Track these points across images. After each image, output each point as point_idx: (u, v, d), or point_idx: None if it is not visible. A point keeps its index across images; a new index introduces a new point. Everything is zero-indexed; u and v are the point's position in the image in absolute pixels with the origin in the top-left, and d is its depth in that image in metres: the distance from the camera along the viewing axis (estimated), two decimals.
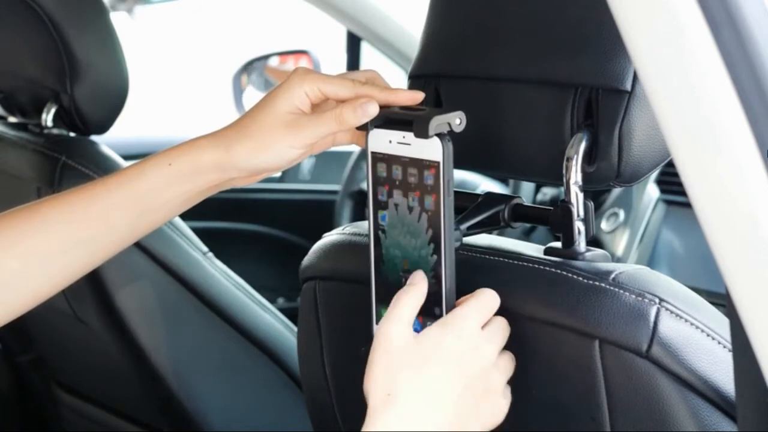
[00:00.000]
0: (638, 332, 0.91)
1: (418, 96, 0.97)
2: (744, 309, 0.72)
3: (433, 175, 0.92)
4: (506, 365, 0.94)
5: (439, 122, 0.92)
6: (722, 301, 0.77)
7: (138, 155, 2.56)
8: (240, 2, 9.08)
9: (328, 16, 2.41)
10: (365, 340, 0.95)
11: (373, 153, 0.96)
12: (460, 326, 0.92)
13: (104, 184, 1.02)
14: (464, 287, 0.95)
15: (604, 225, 2.09)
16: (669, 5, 0.69)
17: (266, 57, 2.67)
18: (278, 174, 1.02)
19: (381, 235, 0.97)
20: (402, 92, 0.97)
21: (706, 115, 0.69)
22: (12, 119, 1.77)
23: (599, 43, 0.95)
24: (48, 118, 1.64)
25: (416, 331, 0.93)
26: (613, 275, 0.94)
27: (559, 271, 0.96)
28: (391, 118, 0.95)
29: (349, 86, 0.97)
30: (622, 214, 2.08)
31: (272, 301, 1.96)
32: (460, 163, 0.95)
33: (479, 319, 0.93)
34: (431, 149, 0.92)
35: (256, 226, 2.68)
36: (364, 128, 0.97)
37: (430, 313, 0.95)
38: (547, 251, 1.00)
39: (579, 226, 0.98)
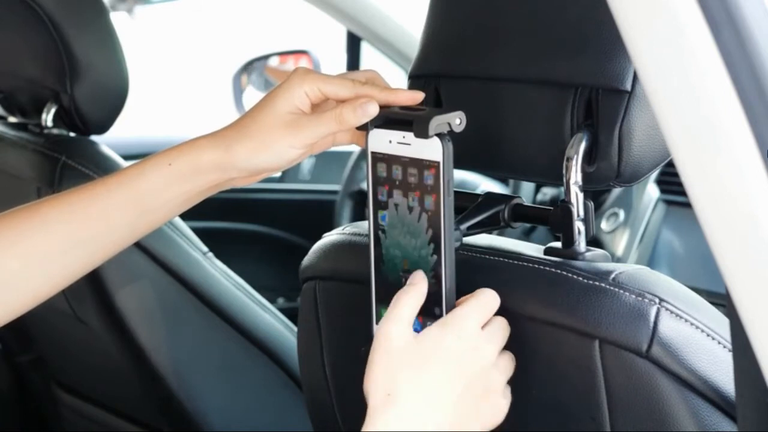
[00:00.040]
0: (638, 332, 0.91)
1: (418, 96, 0.97)
2: (744, 309, 0.72)
3: (433, 175, 0.92)
4: (506, 365, 0.94)
5: (439, 122, 0.92)
6: (722, 301, 0.77)
7: (138, 155, 2.55)
8: (240, 2, 9.08)
9: (328, 16, 2.41)
10: (365, 340, 0.95)
11: (373, 153, 0.96)
12: (460, 326, 0.92)
13: (104, 184, 1.02)
14: (464, 287, 0.95)
15: (604, 225, 2.09)
16: (669, 5, 0.69)
17: (266, 57, 2.67)
18: (278, 174, 1.02)
19: (381, 235, 0.97)
20: (402, 92, 0.97)
21: (706, 115, 0.69)
22: (12, 119, 1.77)
23: (599, 43, 0.95)
24: (48, 118, 1.64)
25: (416, 331, 0.93)
26: (613, 275, 0.94)
27: (559, 271, 0.96)
28: (391, 118, 0.95)
29: (349, 86, 0.97)
30: (622, 214, 2.08)
31: (272, 301, 1.96)
32: (460, 163, 0.95)
33: (479, 319, 0.93)
34: (431, 149, 0.92)
35: (256, 226, 2.68)
36: (364, 128, 0.97)
37: (430, 313, 0.95)
38: (547, 251, 1.00)
39: (579, 226, 0.98)
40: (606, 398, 0.93)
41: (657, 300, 0.91)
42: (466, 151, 1.01)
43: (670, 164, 0.91)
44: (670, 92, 0.71)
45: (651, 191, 2.06)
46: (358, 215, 2.40)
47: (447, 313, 0.94)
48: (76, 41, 1.57)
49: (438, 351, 0.91)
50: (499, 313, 0.95)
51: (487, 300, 0.94)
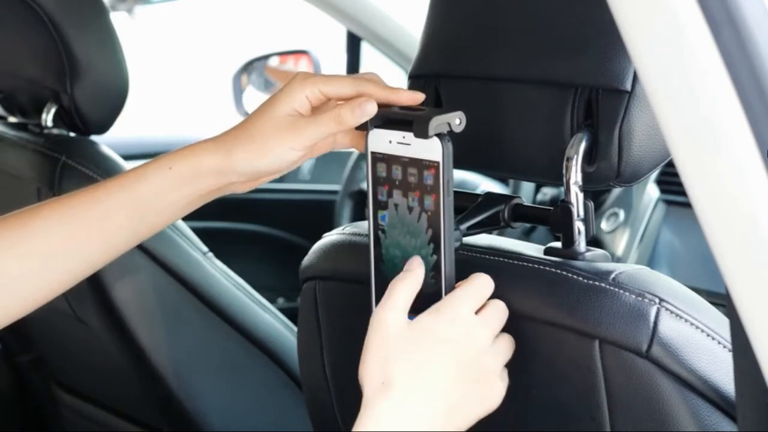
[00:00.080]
0: (638, 332, 0.91)
1: (419, 96, 0.97)
2: (744, 309, 0.72)
3: (433, 175, 0.92)
4: (503, 348, 0.94)
5: (438, 122, 0.92)
6: (722, 301, 0.77)
7: (138, 155, 2.55)
8: (240, 2, 9.08)
9: (328, 16, 2.41)
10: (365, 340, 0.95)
11: (372, 153, 0.96)
12: (453, 312, 0.92)
13: (105, 187, 1.03)
14: None
15: (604, 225, 2.09)
16: (669, 5, 0.69)
17: (266, 57, 2.67)
18: (277, 176, 1.02)
19: (381, 235, 0.97)
20: (403, 92, 0.97)
21: (706, 115, 0.69)
22: (12, 119, 1.77)
23: (599, 43, 0.95)
24: (48, 118, 1.64)
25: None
26: (613, 275, 0.94)
27: (559, 271, 0.96)
28: (391, 118, 0.95)
29: (350, 85, 0.98)
30: (622, 214, 2.08)
31: (272, 301, 1.96)
32: (460, 163, 0.95)
33: (473, 304, 0.93)
34: (431, 149, 0.92)
35: (256, 226, 2.68)
36: (364, 128, 0.97)
37: None
38: (547, 251, 1.00)
39: (579, 226, 0.98)
40: (606, 398, 0.93)
41: (657, 300, 0.91)
42: (466, 151, 1.01)
43: (670, 164, 0.91)
44: (670, 92, 0.71)
45: (651, 191, 2.06)
46: (358, 215, 2.40)
47: None
48: (76, 41, 1.57)
49: (432, 337, 0.91)
50: None
51: (481, 284, 0.94)
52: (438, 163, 0.92)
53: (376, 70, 1.02)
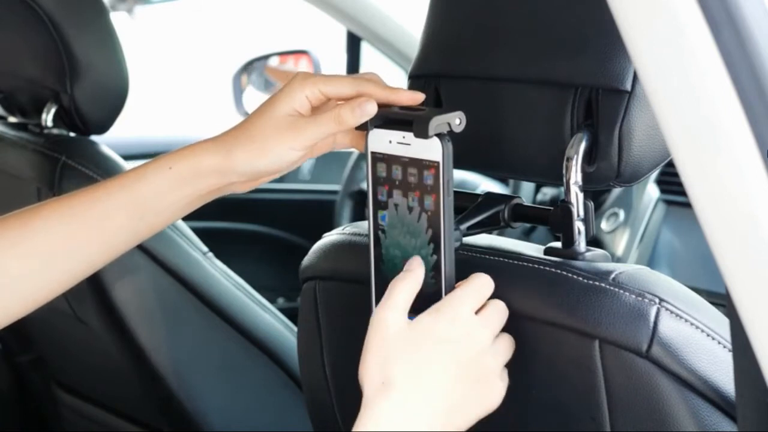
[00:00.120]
0: (638, 332, 0.91)
1: (419, 96, 0.97)
2: (744, 309, 0.72)
3: (433, 175, 0.92)
4: (503, 348, 0.94)
5: (438, 122, 0.92)
6: (722, 301, 0.77)
7: (138, 155, 2.55)
8: (240, 2, 9.08)
9: (328, 16, 2.41)
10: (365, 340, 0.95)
11: (373, 153, 0.96)
12: (453, 312, 0.92)
13: (105, 187, 1.03)
14: None
15: (604, 225, 2.09)
16: (669, 5, 0.69)
17: (266, 57, 2.67)
18: (277, 176, 1.02)
19: (381, 235, 0.97)
20: (403, 92, 0.97)
21: (706, 115, 0.69)
22: (12, 119, 1.77)
23: (599, 43, 0.95)
24: (48, 118, 1.64)
25: None
26: (613, 275, 0.94)
27: (559, 271, 0.96)
28: (391, 118, 0.95)
29: (350, 85, 0.98)
30: (622, 214, 2.08)
31: (272, 301, 1.96)
32: (460, 163, 0.95)
33: (473, 304, 0.93)
34: (431, 149, 0.92)
35: (256, 226, 2.68)
36: (364, 128, 0.97)
37: None
38: (547, 251, 1.00)
39: (579, 226, 0.98)
40: (606, 398, 0.93)
41: (657, 300, 0.91)
42: (466, 151, 1.01)
43: (670, 164, 0.91)
44: (670, 92, 0.71)
45: (651, 191, 2.06)
46: (358, 215, 2.40)
47: None
48: (76, 41, 1.57)
49: (432, 337, 0.91)
50: None
51: (481, 284, 0.94)
52: (438, 163, 0.92)
53: (376, 70, 1.02)
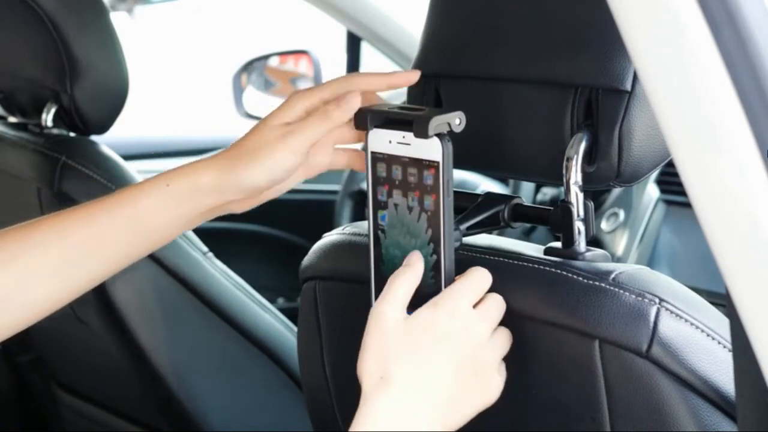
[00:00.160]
0: (638, 332, 0.91)
1: (413, 76, 0.98)
2: (744, 309, 0.72)
3: (433, 175, 0.92)
4: (501, 342, 0.94)
5: (438, 122, 0.92)
6: (722, 301, 0.77)
7: (138, 155, 2.55)
8: (240, 2, 9.08)
9: (328, 16, 2.41)
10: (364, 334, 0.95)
11: (372, 153, 0.96)
12: (451, 306, 0.92)
13: (103, 203, 1.03)
14: None
15: (604, 225, 2.09)
16: (669, 5, 0.69)
17: (266, 57, 2.67)
18: (276, 195, 1.02)
19: (381, 235, 0.97)
20: (398, 74, 0.99)
21: (706, 115, 0.69)
22: (12, 119, 1.77)
23: (599, 43, 0.95)
24: (48, 118, 1.64)
25: None
26: (613, 275, 0.94)
27: (559, 271, 0.96)
28: (391, 118, 0.95)
29: (343, 82, 0.99)
30: (622, 214, 2.08)
31: (272, 301, 1.95)
32: (460, 163, 0.95)
33: (471, 298, 0.93)
34: (431, 149, 0.92)
35: (256, 226, 2.68)
36: (364, 128, 0.97)
37: None
38: (547, 251, 1.00)
39: (579, 226, 0.98)
40: (606, 398, 0.93)
41: (657, 300, 0.91)
42: (466, 151, 1.01)
43: (670, 164, 0.91)
44: (670, 92, 0.71)
45: (651, 191, 2.05)
46: (358, 215, 2.40)
47: None
48: (76, 41, 1.57)
49: (430, 332, 0.91)
50: None
51: (479, 278, 0.94)
52: (438, 163, 0.92)
53: (376, 71, 1.02)
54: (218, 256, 1.69)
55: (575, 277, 0.95)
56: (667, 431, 0.91)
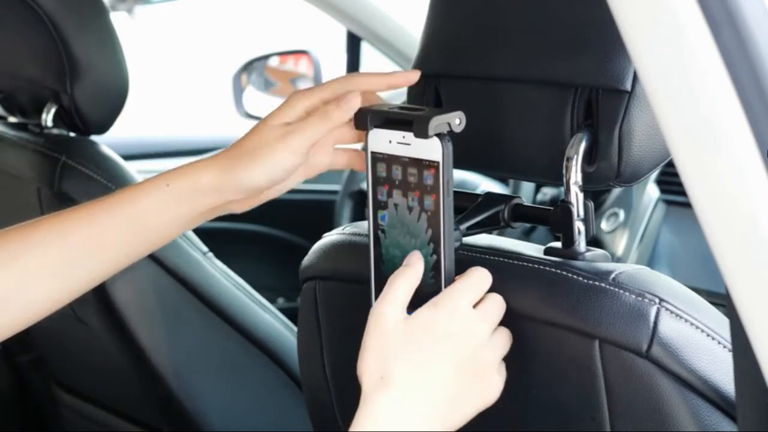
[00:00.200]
0: (638, 332, 0.91)
1: (413, 76, 0.98)
2: (744, 309, 0.72)
3: (433, 175, 0.92)
4: (501, 342, 0.94)
5: (438, 122, 0.92)
6: (722, 301, 0.77)
7: (138, 155, 2.55)
8: (240, 2, 9.08)
9: (328, 16, 2.41)
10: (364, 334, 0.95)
11: (372, 153, 0.96)
12: (452, 306, 0.92)
13: (103, 203, 1.03)
14: None
15: (604, 225, 2.09)
16: (669, 5, 0.69)
17: (266, 57, 2.67)
18: (276, 195, 1.03)
19: (381, 235, 0.97)
20: (398, 74, 0.99)
21: (706, 115, 0.69)
22: (12, 119, 1.77)
23: (599, 43, 0.95)
24: (48, 118, 1.64)
25: None
26: (613, 275, 0.94)
27: (559, 271, 0.96)
28: (391, 118, 0.95)
29: (342, 82, 0.99)
30: (622, 214, 2.08)
31: (272, 301, 1.95)
32: (460, 163, 0.95)
33: (471, 298, 0.93)
34: (431, 149, 0.92)
35: (256, 226, 2.68)
36: (364, 128, 0.97)
37: None
38: (547, 251, 1.00)
39: (579, 226, 0.98)
40: (606, 398, 0.93)
41: (657, 300, 0.91)
42: (466, 151, 1.01)
43: (670, 164, 0.91)
44: (670, 92, 0.71)
45: (651, 191, 2.05)
46: (358, 215, 2.40)
47: None
48: (76, 41, 1.57)
49: (429, 332, 0.91)
50: None
51: (479, 278, 0.94)
52: (438, 163, 0.92)
53: (376, 71, 1.02)
54: (218, 256, 1.69)
55: (575, 277, 0.95)
56: (667, 431, 0.91)
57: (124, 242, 1.03)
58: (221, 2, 9.34)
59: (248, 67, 2.63)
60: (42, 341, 1.91)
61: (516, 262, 0.99)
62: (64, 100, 1.60)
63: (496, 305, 0.94)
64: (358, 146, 1.03)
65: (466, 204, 1.03)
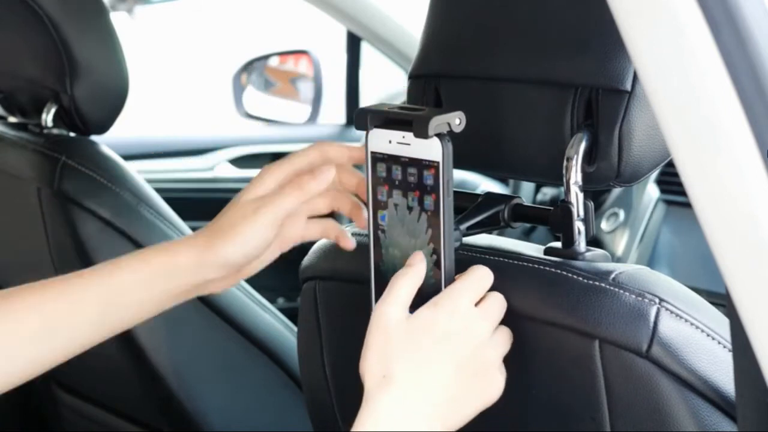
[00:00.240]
0: (638, 332, 0.91)
1: (356, 153, 1.01)
2: (744, 309, 0.72)
3: (433, 175, 0.92)
4: (502, 341, 0.94)
5: (438, 122, 0.92)
6: (722, 301, 0.77)
7: (138, 155, 2.55)
8: (240, 2, 9.08)
9: (328, 16, 2.41)
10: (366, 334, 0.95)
11: (372, 153, 0.96)
12: (452, 305, 0.92)
13: (79, 275, 1.03)
14: None
15: (604, 225, 2.09)
16: (669, 5, 0.69)
17: (266, 57, 2.67)
18: (258, 269, 1.04)
19: (381, 235, 0.97)
20: (353, 147, 1.02)
21: (706, 115, 0.69)
22: (12, 119, 1.77)
23: (599, 43, 0.95)
24: (48, 118, 1.64)
25: None
26: (613, 275, 0.94)
27: (559, 271, 0.96)
28: (390, 118, 0.95)
29: (314, 149, 1.01)
30: (622, 214, 2.08)
31: (272, 301, 1.95)
32: (460, 163, 0.95)
33: (472, 297, 0.93)
34: (431, 149, 0.92)
35: None
36: (365, 128, 0.97)
37: None
38: (547, 251, 1.00)
39: (579, 226, 0.98)
40: (606, 398, 0.93)
41: (657, 300, 0.91)
42: (466, 151, 1.01)
43: (670, 164, 0.91)
44: (670, 92, 0.71)
45: (651, 191, 2.05)
46: None
47: None
48: (76, 41, 1.57)
49: (430, 331, 0.91)
50: None
51: (480, 276, 0.94)
52: (438, 163, 0.92)
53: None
54: None
55: (575, 277, 0.95)
56: (667, 431, 0.91)
57: (94, 316, 1.02)
58: (221, 2, 9.34)
59: (248, 67, 2.63)
60: None
61: (516, 262, 0.99)
62: (64, 100, 1.60)
63: (497, 304, 0.94)
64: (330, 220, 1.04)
65: (466, 204, 1.03)
